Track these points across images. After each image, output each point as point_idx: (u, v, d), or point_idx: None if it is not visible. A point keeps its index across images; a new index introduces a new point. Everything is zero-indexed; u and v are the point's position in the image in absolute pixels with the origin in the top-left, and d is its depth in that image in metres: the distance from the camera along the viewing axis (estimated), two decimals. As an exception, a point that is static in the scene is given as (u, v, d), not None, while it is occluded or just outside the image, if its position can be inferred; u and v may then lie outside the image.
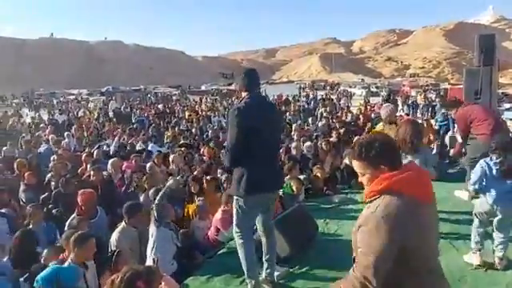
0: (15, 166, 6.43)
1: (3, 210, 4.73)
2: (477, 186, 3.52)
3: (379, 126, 5.30)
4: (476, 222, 3.57)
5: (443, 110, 9.22)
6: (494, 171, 3.38)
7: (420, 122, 10.06)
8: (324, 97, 25.66)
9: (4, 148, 8.36)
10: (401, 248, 1.48)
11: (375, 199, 1.58)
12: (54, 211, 4.91)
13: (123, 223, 3.95)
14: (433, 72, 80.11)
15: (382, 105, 12.10)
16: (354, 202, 5.43)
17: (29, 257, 3.60)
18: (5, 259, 3.57)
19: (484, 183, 3.45)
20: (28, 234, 3.74)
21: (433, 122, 11.00)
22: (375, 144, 1.62)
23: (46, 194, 5.46)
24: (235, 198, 3.01)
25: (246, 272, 3.12)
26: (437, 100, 10.39)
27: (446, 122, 9.06)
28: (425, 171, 1.69)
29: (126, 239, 3.83)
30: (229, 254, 4.01)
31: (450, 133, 8.71)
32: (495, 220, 3.45)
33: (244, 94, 3.01)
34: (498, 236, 3.46)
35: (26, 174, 5.88)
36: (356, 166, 1.69)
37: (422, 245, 1.55)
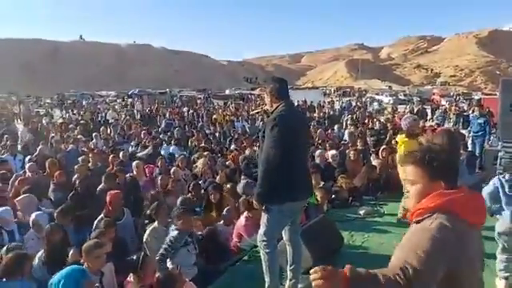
0: (46, 165, 6.62)
1: (45, 208, 4.86)
2: (489, 205, 3.37)
3: (400, 137, 5.08)
4: (499, 247, 3.41)
5: (480, 120, 8.74)
6: (507, 188, 3.31)
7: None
8: (356, 104, 25.35)
9: (39, 147, 8.65)
10: (447, 274, 1.31)
11: (426, 218, 1.40)
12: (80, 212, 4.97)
13: (155, 223, 4.14)
14: (465, 81, 77.55)
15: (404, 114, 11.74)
16: (380, 214, 5.28)
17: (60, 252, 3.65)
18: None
19: (499, 203, 3.36)
20: (58, 228, 3.80)
21: (465, 132, 10.59)
22: (442, 155, 1.45)
23: (73, 193, 5.57)
24: (267, 206, 2.94)
25: (268, 282, 3.07)
26: (476, 108, 9.66)
27: (481, 133, 8.62)
28: (479, 194, 1.52)
29: (155, 239, 3.97)
30: (251, 262, 3.97)
31: (485, 145, 8.32)
32: None
33: (276, 102, 3.00)
34: None
35: (55, 174, 6.04)
36: (410, 172, 1.49)
37: (471, 274, 1.39)
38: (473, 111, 18.88)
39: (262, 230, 3.01)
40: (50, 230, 3.74)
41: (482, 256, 1.54)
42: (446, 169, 1.44)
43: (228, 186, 5.62)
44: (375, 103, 28.47)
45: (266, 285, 3.08)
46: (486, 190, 3.44)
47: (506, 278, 3.34)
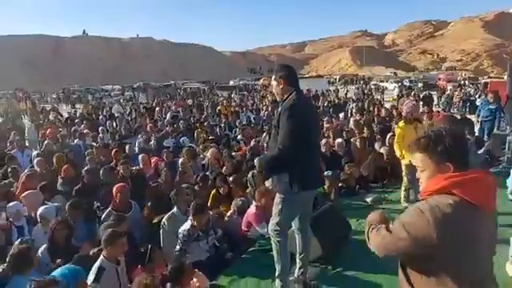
0: (54, 160, 6.68)
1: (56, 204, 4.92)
2: None
3: (400, 123, 5.11)
4: None
5: (492, 106, 8.57)
6: None
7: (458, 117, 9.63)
8: (366, 91, 25.23)
9: (45, 142, 8.71)
10: (433, 253, 1.36)
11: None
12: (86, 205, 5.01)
13: (175, 208, 4.25)
14: (471, 65, 76.38)
15: (404, 101, 11.63)
16: (387, 201, 5.26)
17: (64, 247, 3.69)
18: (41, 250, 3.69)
19: None
20: (63, 223, 3.83)
21: (472, 117, 10.45)
22: (446, 138, 1.45)
23: (79, 185, 5.62)
24: (281, 195, 2.94)
25: (279, 270, 3.07)
26: (489, 94, 9.35)
27: (490, 118, 8.47)
28: (488, 175, 1.49)
29: (172, 223, 4.11)
30: (260, 251, 3.99)
31: (495, 130, 8.21)
32: None
33: (288, 91, 2.92)
34: None
35: (63, 168, 6.09)
36: (418, 159, 1.52)
37: (473, 260, 1.38)
38: (479, 96, 18.62)
39: (274, 220, 3.01)
40: (55, 225, 3.75)
41: (492, 241, 1.51)
42: (452, 151, 1.44)
43: (234, 175, 5.61)
44: (396, 89, 28.28)
45: (277, 273, 3.09)
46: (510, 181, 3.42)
47: None
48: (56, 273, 2.84)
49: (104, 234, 3.21)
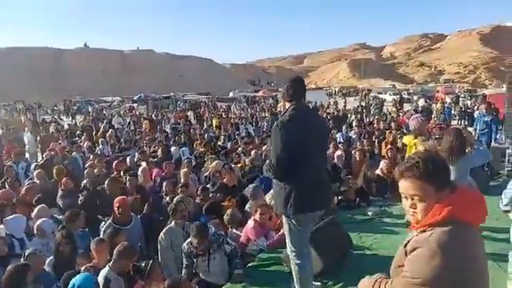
0: (54, 172, 6.65)
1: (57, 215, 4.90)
2: (509, 207, 3.30)
3: (408, 138, 5.16)
4: None
5: (486, 118, 8.63)
6: None
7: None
8: (360, 104, 25.32)
9: (44, 154, 8.68)
10: (452, 284, 1.26)
11: (429, 229, 1.33)
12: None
13: (173, 222, 4.20)
14: (469, 78, 76.90)
15: (411, 115, 11.72)
16: (388, 214, 5.22)
17: (69, 260, 3.67)
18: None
19: None
20: (67, 238, 3.83)
21: (471, 129, 10.48)
22: (439, 162, 1.35)
23: (82, 197, 5.60)
24: (283, 217, 2.88)
25: None
26: (482, 106, 9.43)
27: (487, 130, 8.51)
28: (477, 190, 1.47)
29: (169, 237, 4.08)
30: (260, 267, 3.95)
31: (493, 143, 8.23)
32: None
33: (288, 105, 2.82)
34: None
35: (63, 180, 6.06)
36: (414, 187, 1.35)
37: (478, 278, 1.32)
38: (477, 108, 18.74)
39: (287, 241, 2.94)
40: (61, 239, 3.76)
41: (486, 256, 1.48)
42: (446, 175, 1.36)
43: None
44: (421, 100, 28.25)
45: None
46: (508, 191, 3.39)
47: None
48: (75, 280, 2.88)
49: (119, 247, 3.22)
